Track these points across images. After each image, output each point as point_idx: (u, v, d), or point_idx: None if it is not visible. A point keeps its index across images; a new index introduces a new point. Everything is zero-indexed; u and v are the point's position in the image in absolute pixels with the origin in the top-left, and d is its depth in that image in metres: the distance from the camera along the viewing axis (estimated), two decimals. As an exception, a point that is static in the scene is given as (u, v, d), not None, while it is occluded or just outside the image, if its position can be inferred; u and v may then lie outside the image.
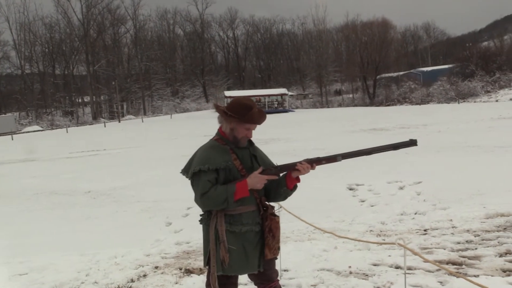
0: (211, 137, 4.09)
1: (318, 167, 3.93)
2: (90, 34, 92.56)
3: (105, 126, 59.88)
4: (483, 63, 75.44)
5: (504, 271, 5.83)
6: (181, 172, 4.07)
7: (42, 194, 13.84)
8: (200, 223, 4.07)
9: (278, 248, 4.07)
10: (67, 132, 54.85)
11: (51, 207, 12.05)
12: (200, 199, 3.77)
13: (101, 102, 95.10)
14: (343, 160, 3.89)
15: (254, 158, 4.03)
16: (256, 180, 3.85)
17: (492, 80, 72.58)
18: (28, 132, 63.82)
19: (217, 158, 3.84)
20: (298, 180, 4.00)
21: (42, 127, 71.89)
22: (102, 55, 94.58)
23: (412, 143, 3.82)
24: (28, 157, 27.17)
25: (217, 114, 4.09)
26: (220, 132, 4.02)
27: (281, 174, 3.99)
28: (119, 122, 70.43)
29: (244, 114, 3.86)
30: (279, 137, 27.22)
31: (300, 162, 3.89)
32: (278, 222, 4.04)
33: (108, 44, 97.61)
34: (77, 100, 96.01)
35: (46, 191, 14.23)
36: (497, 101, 63.29)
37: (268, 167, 3.98)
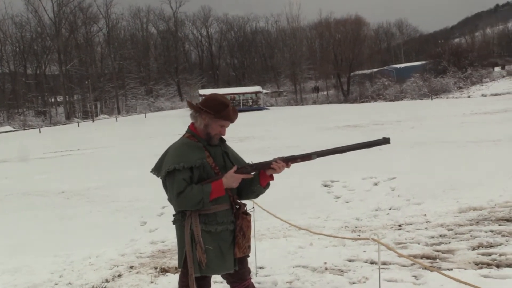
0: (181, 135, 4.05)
1: (292, 165, 3.94)
2: (62, 33, 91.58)
3: (78, 126, 59.34)
4: (455, 60, 76.33)
5: (477, 264, 5.91)
6: (151, 171, 4.04)
7: (14, 195, 13.65)
8: (174, 224, 4.03)
9: (249, 247, 4.06)
10: (40, 132, 54.17)
11: (24, 208, 11.89)
12: (176, 199, 3.72)
13: (74, 101, 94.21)
14: (317, 158, 3.91)
15: (226, 156, 4.01)
16: (232, 179, 3.83)
17: (464, 76, 73.45)
18: (0, 132, 62.94)
19: (192, 155, 3.80)
20: (271, 178, 4.00)
21: (14, 127, 70.95)
22: (74, 54, 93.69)
23: (385, 141, 3.85)
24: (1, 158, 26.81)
25: (190, 112, 4.04)
26: (191, 129, 3.97)
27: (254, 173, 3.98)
28: (93, 121, 69.80)
29: (220, 110, 3.84)
30: (254, 135, 27.22)
31: (275, 161, 3.89)
32: (249, 221, 4.04)
33: (81, 43, 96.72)
34: (49, 100, 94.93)
35: (19, 192, 14.04)
36: (469, 97, 64.07)
37: (243, 165, 3.97)
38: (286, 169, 3.93)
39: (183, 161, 3.75)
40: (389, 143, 3.84)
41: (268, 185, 4.04)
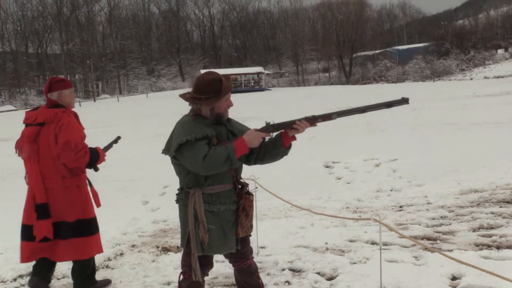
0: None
1: (294, 146, 3.91)
2: (63, 12, 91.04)
3: (80, 105, 59.20)
4: (458, 42, 76.02)
5: (477, 245, 5.94)
6: (162, 152, 3.94)
7: (17, 174, 13.67)
8: (177, 203, 4.01)
9: (251, 227, 4.06)
10: (41, 111, 54.04)
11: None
12: (203, 162, 3.60)
13: (76, 81, 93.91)
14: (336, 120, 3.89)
15: (232, 134, 3.95)
16: (253, 136, 3.75)
17: (467, 59, 73.21)
18: (1, 112, 62.88)
19: (202, 128, 3.73)
20: (294, 138, 3.92)
21: (15, 106, 70.79)
22: (76, 33, 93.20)
23: (404, 101, 3.82)
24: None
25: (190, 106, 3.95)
26: (196, 110, 3.88)
27: (276, 133, 3.92)
28: (95, 101, 69.61)
29: (219, 89, 3.75)
30: (256, 116, 27.16)
31: (299, 120, 3.83)
32: (252, 201, 4.02)
33: (82, 23, 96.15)
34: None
35: (21, 171, 14.04)
36: (471, 79, 63.87)
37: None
38: (309, 128, 3.87)
39: (194, 133, 3.67)
40: (408, 103, 3.81)
41: (290, 146, 3.95)
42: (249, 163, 4.09)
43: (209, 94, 3.75)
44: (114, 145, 5.81)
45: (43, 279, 5.22)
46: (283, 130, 3.90)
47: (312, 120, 3.87)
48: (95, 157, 5.16)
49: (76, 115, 5.19)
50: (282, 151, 3.93)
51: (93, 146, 5.28)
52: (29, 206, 5.14)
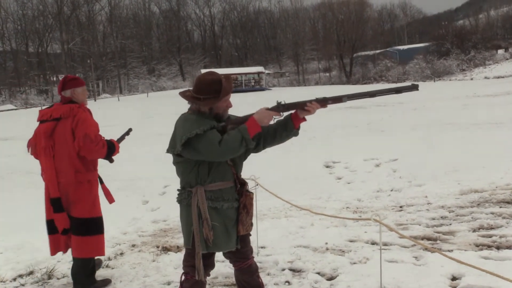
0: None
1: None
2: (64, 11, 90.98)
3: (80, 105, 59.12)
4: (458, 42, 76.06)
5: (477, 246, 5.94)
6: (167, 151, 3.91)
7: (17, 173, 13.67)
8: (179, 202, 4.01)
9: (251, 225, 4.07)
10: (41, 111, 54.02)
11: (26, 186, 11.92)
12: (219, 147, 3.60)
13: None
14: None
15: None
16: (263, 114, 3.75)
17: (467, 59, 73.23)
18: (1, 111, 62.86)
19: (207, 121, 3.73)
20: (304, 119, 3.91)
21: (16, 105, 70.80)
22: (76, 32, 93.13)
23: (413, 87, 3.82)
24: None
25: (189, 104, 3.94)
26: (194, 109, 3.88)
27: (286, 113, 3.91)
28: (95, 101, 69.58)
29: (218, 90, 3.75)
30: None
31: (310, 102, 3.82)
32: (252, 199, 4.04)
33: (83, 22, 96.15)
34: (51, 79, 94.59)
35: (22, 170, 14.06)
36: (472, 79, 63.90)
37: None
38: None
39: (201, 125, 3.67)
40: (417, 89, 3.80)
41: (299, 127, 3.95)
42: (257, 150, 4.07)
43: (208, 95, 3.75)
44: (126, 137, 5.94)
45: None
46: (293, 112, 3.89)
47: (323, 102, 3.87)
48: (111, 149, 5.36)
49: (90, 111, 5.41)
50: (293, 132, 3.93)
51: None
52: (47, 202, 5.42)
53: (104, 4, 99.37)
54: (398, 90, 3.89)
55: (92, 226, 5.24)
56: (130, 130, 6.02)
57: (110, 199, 5.56)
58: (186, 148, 3.70)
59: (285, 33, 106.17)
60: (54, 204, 5.22)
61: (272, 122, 3.86)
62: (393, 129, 16.65)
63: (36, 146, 5.36)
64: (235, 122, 3.85)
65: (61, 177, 5.19)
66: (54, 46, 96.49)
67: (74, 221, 5.20)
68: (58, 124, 5.16)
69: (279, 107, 3.84)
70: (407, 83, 3.83)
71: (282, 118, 3.91)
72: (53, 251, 5.41)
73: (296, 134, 3.97)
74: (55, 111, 5.20)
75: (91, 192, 5.28)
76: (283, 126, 3.90)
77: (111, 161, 5.48)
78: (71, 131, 5.09)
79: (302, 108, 3.83)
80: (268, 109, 3.81)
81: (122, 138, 5.81)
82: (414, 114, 21.12)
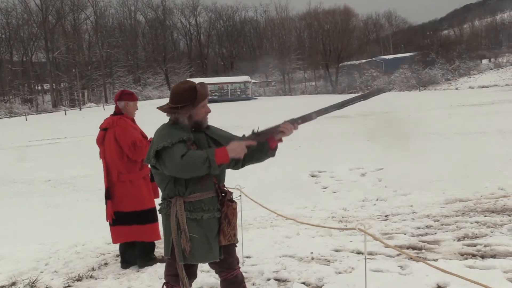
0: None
1: (280, 154, 3.92)
2: (49, 20, 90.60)
3: (65, 114, 58.89)
4: (443, 52, 76.82)
5: (462, 255, 5.96)
6: (144, 161, 3.94)
7: (0, 183, 13.56)
8: (159, 213, 4.01)
9: (234, 235, 4.03)
10: (26, 120, 53.74)
11: (9, 196, 11.83)
12: (181, 161, 3.57)
13: (62, 89, 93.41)
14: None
15: (213, 141, 3.94)
16: (236, 145, 3.73)
17: (452, 68, 73.90)
18: (-14, 120, 62.39)
19: (179, 132, 3.73)
20: (280, 140, 3.96)
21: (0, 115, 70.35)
22: (61, 41, 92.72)
23: (379, 90, 3.86)
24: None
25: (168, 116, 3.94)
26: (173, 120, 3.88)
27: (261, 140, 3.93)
28: (80, 110, 69.28)
29: (193, 97, 3.77)
30: (242, 125, 27.15)
31: (283, 124, 3.84)
32: (235, 209, 4.00)
33: (68, 31, 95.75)
34: (36, 88, 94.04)
35: (5, 180, 13.96)
36: (457, 89, 64.42)
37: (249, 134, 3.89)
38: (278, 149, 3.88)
39: (170, 138, 3.67)
40: (383, 92, 3.82)
41: (276, 147, 4.01)
42: (237, 167, 4.10)
43: (185, 103, 3.76)
44: None
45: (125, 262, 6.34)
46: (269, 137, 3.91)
47: (295, 122, 3.89)
48: None
49: (133, 120, 6.34)
50: (269, 153, 4.00)
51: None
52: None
53: (90, 13, 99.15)
54: (364, 96, 3.92)
55: (144, 217, 6.14)
56: None
57: (156, 195, 6.28)
58: (157, 161, 3.74)
59: (271, 43, 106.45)
60: (106, 193, 6.26)
61: (246, 151, 3.83)
62: (378, 138, 16.71)
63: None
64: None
65: (110, 177, 6.23)
66: (39, 55, 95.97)
67: (123, 214, 6.14)
68: (106, 133, 6.20)
69: (252, 136, 3.85)
70: (373, 88, 3.82)
71: (255, 144, 3.90)
72: (114, 241, 6.36)
73: (273, 154, 4.04)
74: (105, 122, 6.26)
75: (134, 190, 6.14)
76: (260, 147, 3.96)
77: None
78: (114, 139, 6.08)
79: (277, 131, 3.87)
80: (241, 139, 3.81)
81: None
82: (399, 123, 21.21)
